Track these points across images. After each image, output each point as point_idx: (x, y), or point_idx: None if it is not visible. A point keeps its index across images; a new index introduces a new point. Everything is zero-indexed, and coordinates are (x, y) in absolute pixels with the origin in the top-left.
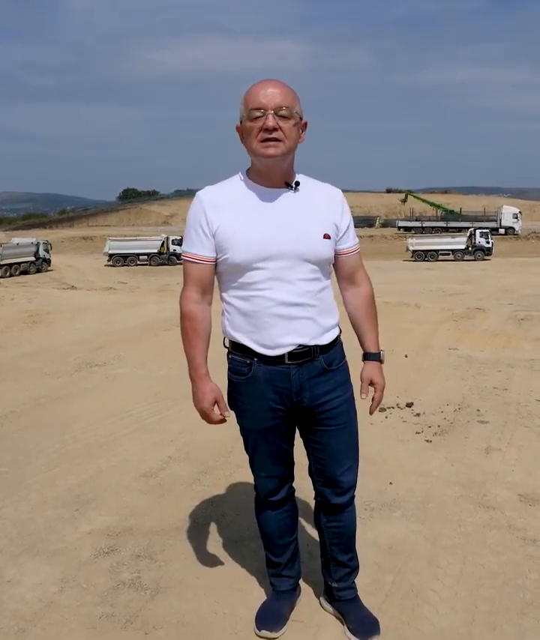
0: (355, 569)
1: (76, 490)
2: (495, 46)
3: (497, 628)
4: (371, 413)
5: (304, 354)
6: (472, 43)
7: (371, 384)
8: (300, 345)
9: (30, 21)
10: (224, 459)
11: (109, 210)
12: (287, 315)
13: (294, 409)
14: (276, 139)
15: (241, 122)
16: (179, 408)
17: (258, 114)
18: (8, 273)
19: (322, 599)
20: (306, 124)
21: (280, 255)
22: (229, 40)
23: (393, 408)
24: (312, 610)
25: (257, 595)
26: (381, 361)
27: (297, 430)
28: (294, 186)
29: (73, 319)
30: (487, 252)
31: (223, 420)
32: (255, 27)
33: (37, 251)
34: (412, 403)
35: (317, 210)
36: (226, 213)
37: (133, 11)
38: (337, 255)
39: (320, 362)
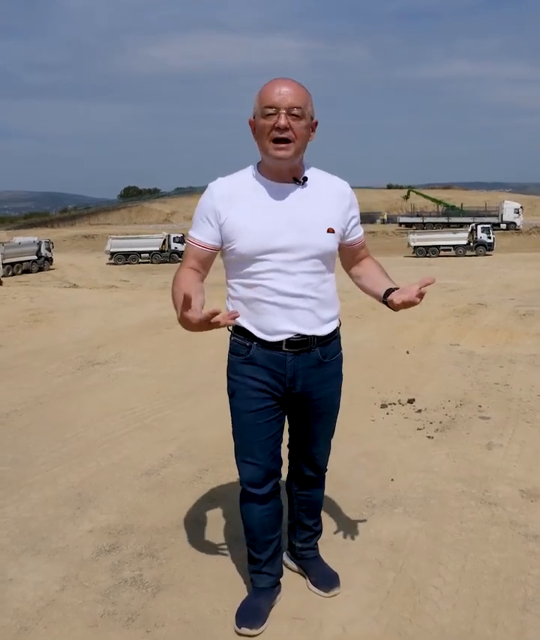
0: (318, 532)
1: (77, 488)
2: (494, 40)
3: (499, 624)
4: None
5: (301, 343)
6: (472, 37)
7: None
8: (298, 334)
9: (28, 19)
10: (225, 457)
11: (110, 209)
12: (286, 305)
13: (286, 396)
14: (286, 140)
15: (254, 117)
16: (180, 406)
17: (270, 112)
18: (10, 272)
19: (285, 555)
20: (317, 123)
21: (282, 248)
22: (227, 36)
23: (394, 404)
24: (313, 608)
25: None
26: None
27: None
28: (302, 181)
29: (75, 318)
30: (488, 247)
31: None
32: (253, 23)
33: (39, 250)
34: (413, 399)
35: (323, 205)
36: (235, 206)
37: (131, 8)
38: (345, 247)
39: (316, 353)
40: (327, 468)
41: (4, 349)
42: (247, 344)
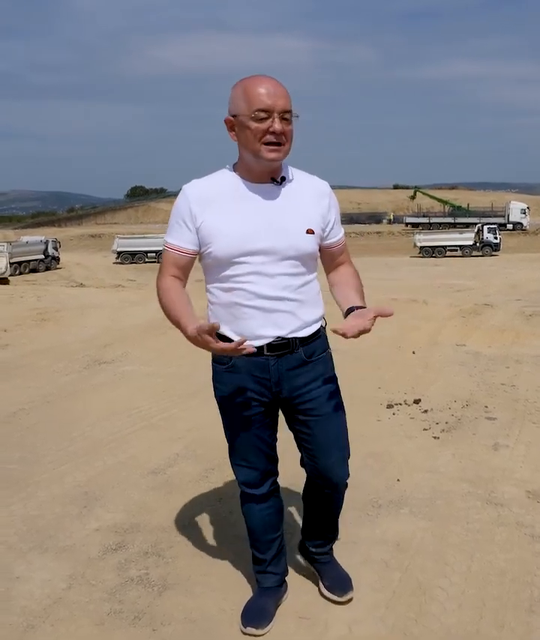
0: (333, 539)
1: (84, 487)
2: (500, 40)
3: (505, 625)
4: (346, 335)
5: (282, 346)
6: (477, 37)
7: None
8: (279, 337)
9: (33, 20)
10: None
11: (117, 208)
12: (266, 308)
13: (275, 400)
14: (279, 143)
15: (234, 116)
16: (187, 406)
17: (263, 115)
18: (18, 271)
19: (298, 554)
20: None
21: (260, 250)
22: (231, 36)
23: (400, 404)
24: (319, 608)
25: None
26: None
27: (286, 424)
28: (280, 181)
29: (82, 317)
30: (494, 247)
31: (212, 333)
32: (257, 23)
33: (46, 249)
34: (419, 400)
35: (302, 205)
36: (211, 208)
37: (135, 9)
38: (324, 249)
39: (300, 354)
40: (347, 483)
41: (11, 348)
42: None
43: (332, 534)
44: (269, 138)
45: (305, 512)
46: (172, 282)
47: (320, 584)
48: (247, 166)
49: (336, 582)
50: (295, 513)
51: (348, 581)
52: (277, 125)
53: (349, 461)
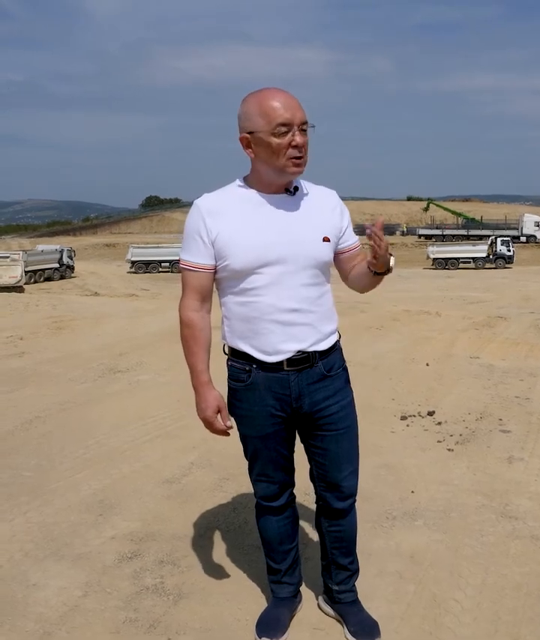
0: (355, 572)
1: (99, 495)
2: (516, 53)
3: (520, 639)
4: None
5: (303, 360)
6: (493, 49)
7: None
8: (299, 351)
9: (55, 31)
10: (246, 465)
11: (132, 218)
12: (286, 321)
13: (294, 415)
14: (301, 156)
15: (250, 133)
16: None
17: (284, 130)
18: (32, 280)
19: (321, 599)
20: None
21: (279, 260)
22: (250, 47)
23: (414, 416)
24: (334, 619)
25: None
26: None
27: (297, 435)
28: (293, 191)
29: (96, 325)
30: (508, 260)
31: (226, 432)
32: (277, 35)
33: (61, 258)
34: (433, 412)
35: (315, 214)
36: (225, 220)
37: (155, 21)
38: (341, 253)
39: (320, 368)
40: (356, 493)
41: (27, 356)
42: (247, 368)
43: (353, 564)
44: (293, 152)
45: (322, 542)
46: (194, 315)
47: (345, 629)
48: (262, 179)
49: (362, 628)
50: (310, 523)
51: (375, 628)
52: (299, 138)
53: (362, 472)
